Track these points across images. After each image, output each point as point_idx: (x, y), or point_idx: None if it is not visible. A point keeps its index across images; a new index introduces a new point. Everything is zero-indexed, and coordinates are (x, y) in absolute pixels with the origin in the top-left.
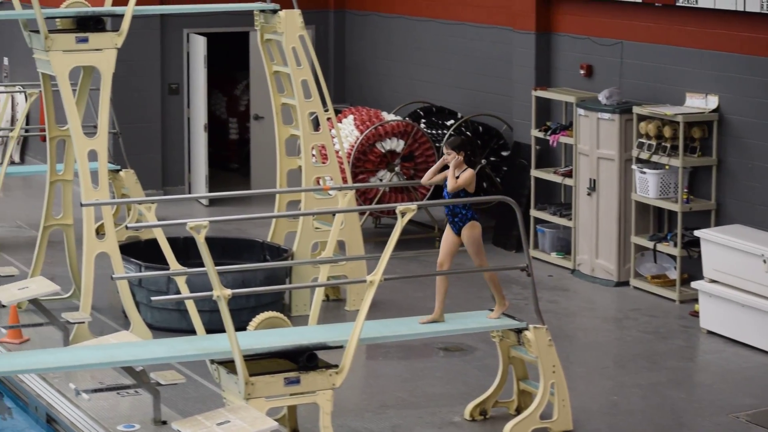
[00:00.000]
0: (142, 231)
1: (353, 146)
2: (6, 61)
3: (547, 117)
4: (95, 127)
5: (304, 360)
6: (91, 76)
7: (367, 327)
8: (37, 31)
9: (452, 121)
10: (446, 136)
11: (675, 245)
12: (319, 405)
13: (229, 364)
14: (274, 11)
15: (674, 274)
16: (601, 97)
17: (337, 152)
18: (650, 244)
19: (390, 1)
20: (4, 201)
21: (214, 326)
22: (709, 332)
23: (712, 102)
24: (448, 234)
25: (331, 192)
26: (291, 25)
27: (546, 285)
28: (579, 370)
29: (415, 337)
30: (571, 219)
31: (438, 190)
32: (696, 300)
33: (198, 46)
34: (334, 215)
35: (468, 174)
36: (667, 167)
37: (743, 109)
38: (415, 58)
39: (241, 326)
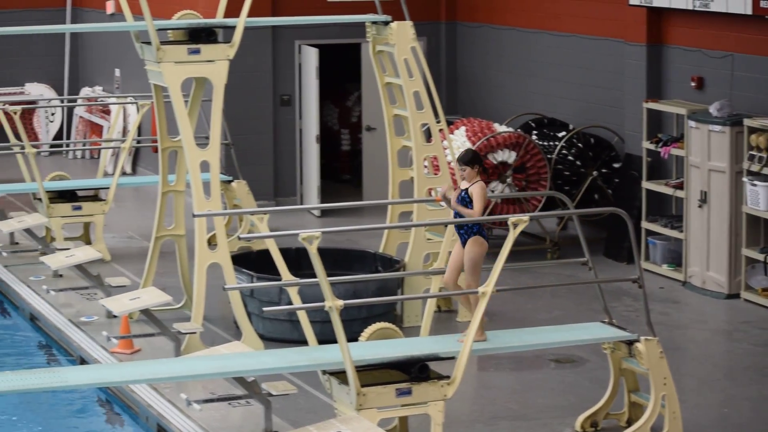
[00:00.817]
0: (254, 242)
1: None
2: (118, 72)
3: (658, 129)
4: (207, 138)
5: (416, 371)
6: (203, 88)
7: None
8: (149, 43)
9: (564, 133)
10: (558, 148)
11: None
12: (430, 416)
13: (340, 375)
14: (386, 23)
15: None
16: (712, 110)
17: (449, 163)
18: (761, 257)
19: (502, 13)
20: (115, 212)
21: (325, 337)
22: None
23: None
24: (456, 249)
25: (443, 203)
26: (403, 36)
27: (657, 297)
28: (690, 383)
29: (527, 348)
30: (682, 231)
31: (549, 203)
32: None
33: (310, 58)
34: (446, 226)
35: (479, 187)
36: None
37: None
38: (527, 69)
39: (352, 337)
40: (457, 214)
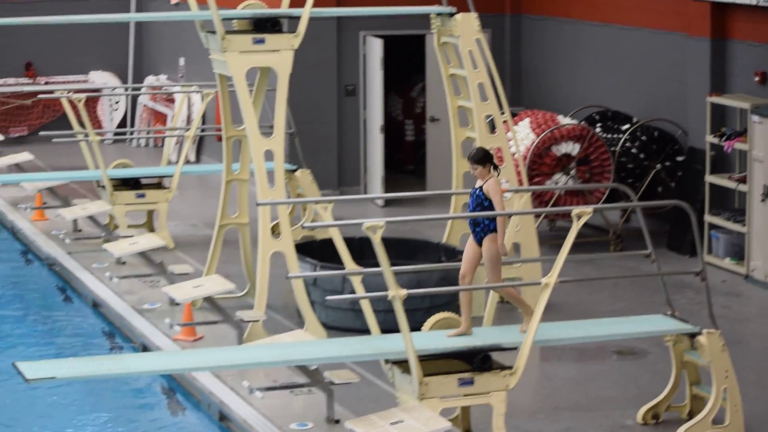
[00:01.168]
0: (317, 231)
1: (529, 149)
2: (182, 61)
3: (721, 123)
4: (271, 127)
5: (478, 361)
6: (267, 77)
7: (541, 329)
8: (214, 32)
9: (627, 126)
10: (621, 141)
11: None
12: (492, 406)
13: (403, 364)
14: (451, 14)
15: None
16: None
17: (513, 155)
18: None
19: (566, 5)
20: (179, 200)
21: (388, 326)
22: None
23: None
24: (470, 245)
25: (507, 194)
26: (467, 28)
27: (719, 290)
28: (751, 376)
29: (589, 340)
30: (745, 225)
31: (612, 195)
32: None
33: (374, 49)
34: (509, 217)
35: (494, 183)
36: None
37: None
38: (591, 62)
39: (415, 326)
40: (476, 208)
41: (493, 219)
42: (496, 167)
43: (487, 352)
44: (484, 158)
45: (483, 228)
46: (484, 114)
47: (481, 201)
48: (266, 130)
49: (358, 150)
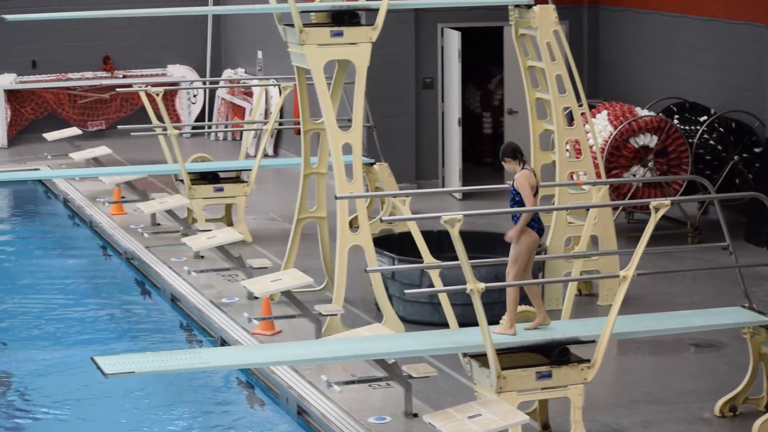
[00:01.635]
0: (395, 224)
1: (607, 141)
2: (260, 54)
3: None
4: (349, 120)
5: (556, 354)
6: (345, 70)
7: (619, 322)
8: (292, 25)
9: (705, 117)
10: (699, 133)
11: None
12: (570, 399)
13: (481, 358)
14: (529, 6)
15: None
16: None
17: (590, 147)
18: None
19: None
20: (257, 194)
21: (466, 320)
22: None
23: None
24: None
25: (584, 187)
26: (545, 20)
27: None
28: None
29: (666, 332)
30: None
31: (690, 187)
32: None
33: (452, 41)
34: (587, 210)
35: (521, 177)
36: None
37: None
38: (669, 53)
39: (493, 320)
40: (511, 203)
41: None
42: (524, 162)
43: (565, 345)
44: (512, 152)
45: (516, 221)
46: (562, 106)
47: (513, 196)
48: (344, 123)
49: (435, 143)
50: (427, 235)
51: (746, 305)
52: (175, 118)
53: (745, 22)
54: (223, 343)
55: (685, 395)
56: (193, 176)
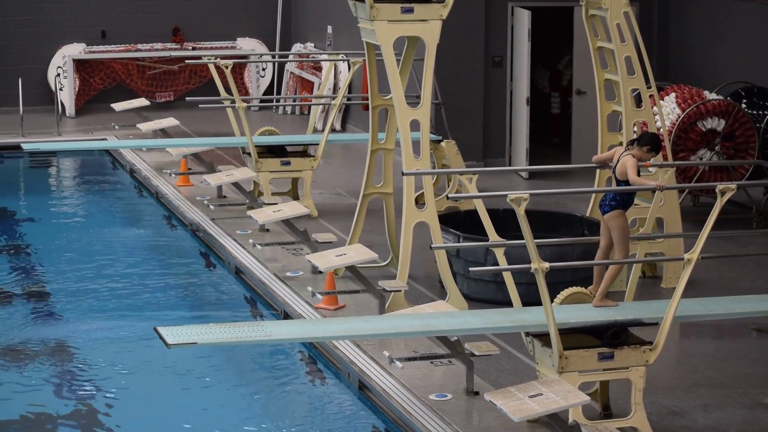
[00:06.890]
0: (461, 202)
1: (674, 124)
2: (330, 29)
3: None
4: (418, 97)
5: (608, 337)
6: (415, 47)
7: (682, 305)
8: (363, 1)
9: None
10: (767, 118)
11: None
12: (631, 381)
13: (543, 337)
14: None
15: None
16: None
17: (658, 129)
18: None
19: None
20: (324, 168)
21: (530, 299)
22: None
23: None
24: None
25: (651, 169)
26: (616, 1)
27: None
28: None
29: (729, 316)
30: None
31: (756, 171)
32: None
33: (522, 20)
34: (653, 192)
35: (627, 158)
36: None
37: None
38: (739, 37)
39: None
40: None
41: (615, 197)
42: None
43: (622, 327)
44: (650, 140)
45: (602, 205)
46: (631, 88)
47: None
48: (413, 100)
49: (503, 122)
50: (492, 213)
51: None
52: (243, 91)
53: None
54: (286, 316)
55: (746, 380)
56: (260, 149)
